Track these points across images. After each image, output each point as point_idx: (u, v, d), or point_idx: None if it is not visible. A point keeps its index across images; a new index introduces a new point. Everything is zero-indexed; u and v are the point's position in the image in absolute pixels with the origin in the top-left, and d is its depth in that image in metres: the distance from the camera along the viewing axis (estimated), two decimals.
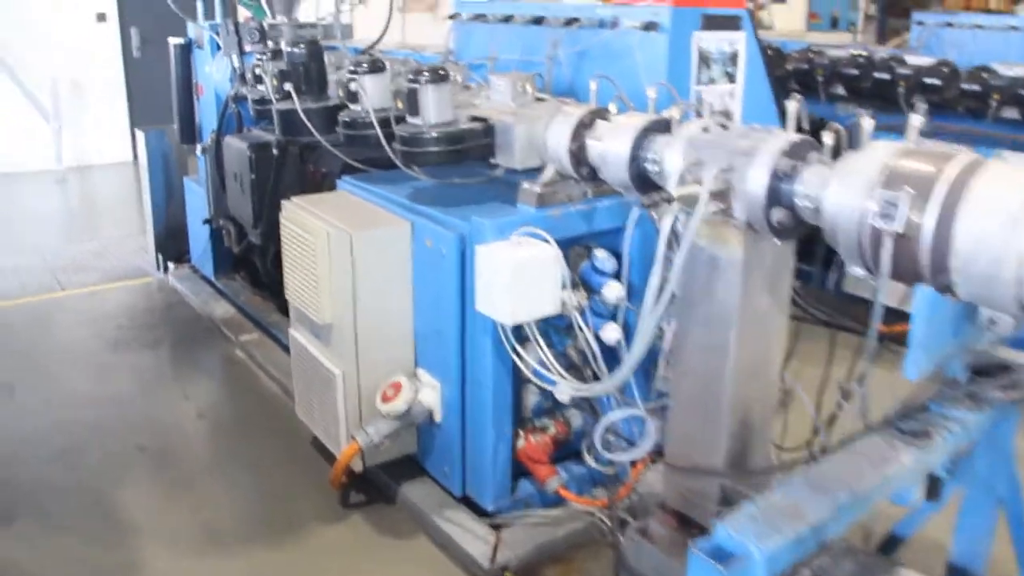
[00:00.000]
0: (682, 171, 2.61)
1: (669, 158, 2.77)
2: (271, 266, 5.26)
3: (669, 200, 2.49)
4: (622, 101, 3.18)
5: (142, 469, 4.04)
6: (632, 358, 2.81)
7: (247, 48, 5.12)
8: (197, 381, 4.97)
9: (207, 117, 6.08)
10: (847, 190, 2.17)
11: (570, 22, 3.76)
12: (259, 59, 4.61)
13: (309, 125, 3.95)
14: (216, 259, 6.10)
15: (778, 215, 2.48)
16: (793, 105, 2.53)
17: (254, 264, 5.77)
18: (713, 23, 3.59)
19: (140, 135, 6.61)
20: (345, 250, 3.34)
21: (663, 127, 2.95)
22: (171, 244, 6.78)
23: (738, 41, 3.69)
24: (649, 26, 3.48)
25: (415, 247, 3.47)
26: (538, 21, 3.92)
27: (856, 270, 2.39)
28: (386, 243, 3.43)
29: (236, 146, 4.78)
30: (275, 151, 4.66)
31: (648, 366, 3.48)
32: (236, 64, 5.10)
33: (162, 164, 6.67)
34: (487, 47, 4.16)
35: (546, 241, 3.14)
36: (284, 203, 3.75)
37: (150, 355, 5.26)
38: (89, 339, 5.45)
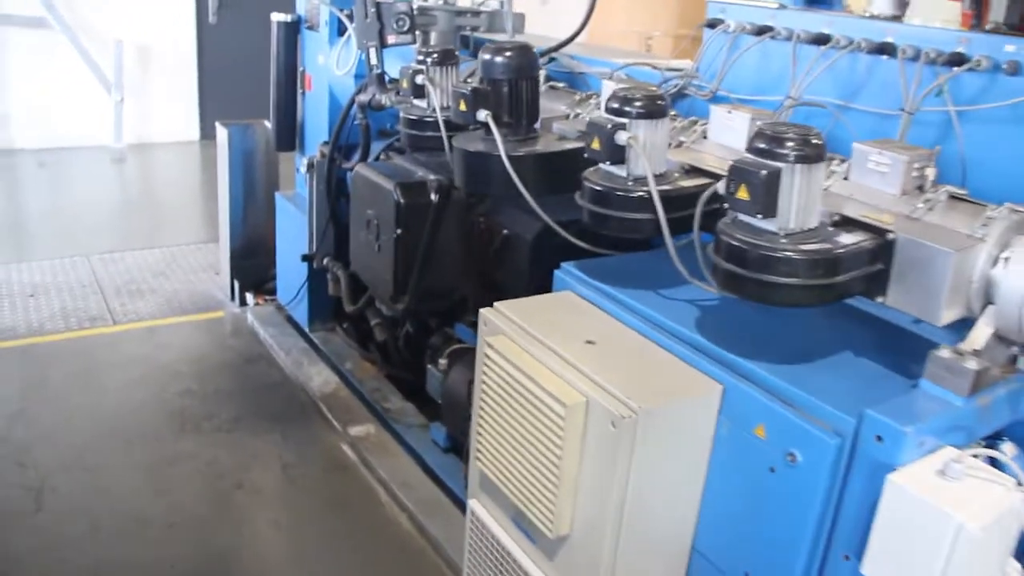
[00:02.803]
0: None
1: None
2: (404, 347, 3.89)
3: None
4: None
5: None
6: None
7: (390, 39, 3.70)
8: (293, 498, 3.58)
9: (313, 120, 4.71)
10: None
11: (953, 61, 2.27)
12: (421, 62, 3.21)
13: (518, 182, 2.54)
14: (312, 304, 4.73)
15: None
16: None
17: (362, 316, 4.40)
18: None
19: (222, 130, 5.25)
20: (622, 437, 1.90)
21: None
22: (248, 267, 5.46)
23: None
24: None
25: (721, 427, 2.05)
26: (883, 51, 2.44)
27: None
28: (682, 422, 2.00)
29: (375, 182, 3.36)
30: (433, 196, 3.25)
31: None
32: (375, 61, 3.70)
33: (243, 168, 5.32)
34: (775, 78, 2.72)
35: (998, 468, 1.72)
36: (485, 313, 2.33)
37: (227, 445, 3.86)
38: (146, 411, 4.08)
